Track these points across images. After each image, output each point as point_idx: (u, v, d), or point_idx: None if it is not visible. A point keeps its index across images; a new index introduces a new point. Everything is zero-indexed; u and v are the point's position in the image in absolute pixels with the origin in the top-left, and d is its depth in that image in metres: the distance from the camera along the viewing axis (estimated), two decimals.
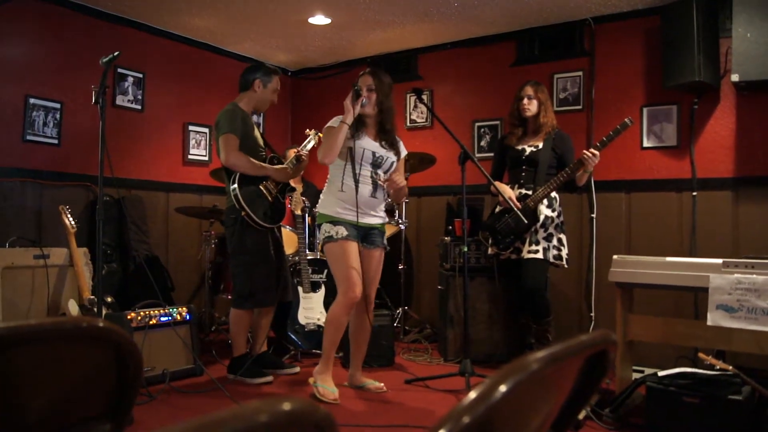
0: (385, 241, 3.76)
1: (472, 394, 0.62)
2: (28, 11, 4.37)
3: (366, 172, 3.56)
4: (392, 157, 3.66)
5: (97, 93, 3.07)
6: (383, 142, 3.63)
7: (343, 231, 3.50)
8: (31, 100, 4.39)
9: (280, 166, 3.99)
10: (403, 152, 3.77)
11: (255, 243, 3.86)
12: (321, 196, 3.69)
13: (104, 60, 3.16)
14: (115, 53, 3.17)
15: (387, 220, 3.79)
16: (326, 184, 3.67)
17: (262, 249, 3.91)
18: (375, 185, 3.58)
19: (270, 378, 3.89)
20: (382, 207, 3.72)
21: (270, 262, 3.96)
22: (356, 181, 3.52)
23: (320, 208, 3.64)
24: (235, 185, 3.79)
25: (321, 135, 3.98)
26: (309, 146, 4.13)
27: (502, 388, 0.63)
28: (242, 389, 3.70)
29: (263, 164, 3.92)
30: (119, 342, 0.94)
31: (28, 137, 4.38)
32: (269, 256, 3.95)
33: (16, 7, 4.31)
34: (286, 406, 0.48)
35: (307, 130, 4.22)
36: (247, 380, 3.84)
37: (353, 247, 3.52)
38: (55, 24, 4.55)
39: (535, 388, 0.78)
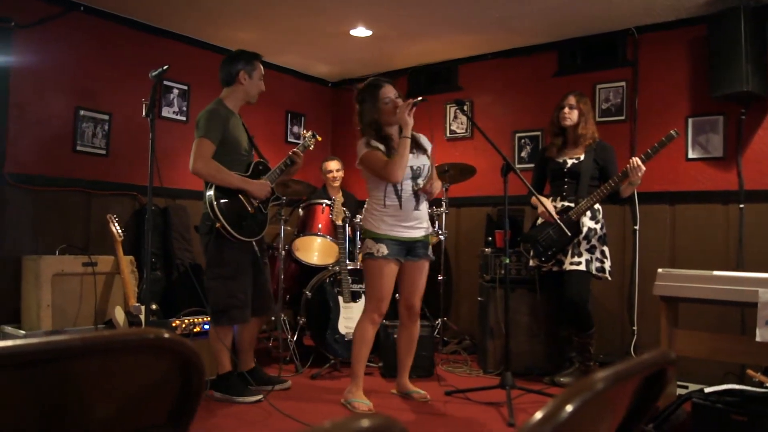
0: (430, 251, 3.73)
1: (539, 414, 0.63)
2: (80, 26, 4.52)
3: (407, 187, 3.54)
4: (426, 162, 3.60)
5: (148, 106, 3.15)
6: (413, 150, 3.52)
7: (384, 250, 3.49)
8: (81, 112, 4.52)
9: (259, 181, 3.66)
10: (429, 146, 3.67)
11: (232, 256, 3.57)
12: (364, 210, 3.72)
13: (154, 74, 3.24)
14: (165, 67, 3.25)
15: (431, 230, 3.76)
16: (369, 198, 3.66)
17: (239, 262, 3.61)
18: (417, 198, 3.57)
19: (260, 396, 3.60)
20: (426, 215, 3.68)
21: (247, 277, 3.66)
22: (400, 199, 3.51)
23: (364, 223, 3.65)
24: (212, 192, 3.46)
25: (319, 137, 4.05)
26: (309, 147, 3.98)
27: (569, 408, 0.63)
28: (279, 403, 3.53)
29: (234, 176, 3.55)
30: (184, 353, 0.97)
31: (78, 148, 4.51)
32: (246, 270, 3.66)
33: (68, 22, 4.45)
34: (365, 422, 0.49)
35: (304, 131, 4.21)
36: (234, 399, 3.57)
37: (391, 268, 3.53)
38: (105, 38, 4.69)
39: (596, 408, 0.78)
